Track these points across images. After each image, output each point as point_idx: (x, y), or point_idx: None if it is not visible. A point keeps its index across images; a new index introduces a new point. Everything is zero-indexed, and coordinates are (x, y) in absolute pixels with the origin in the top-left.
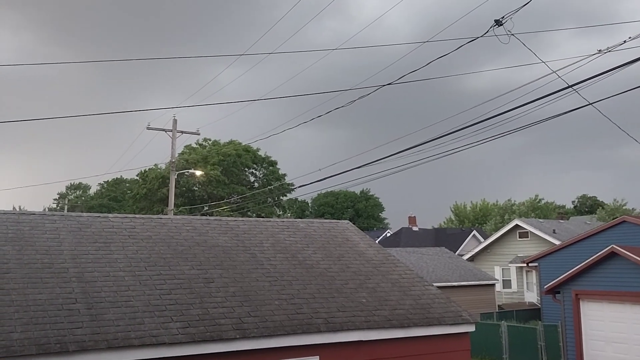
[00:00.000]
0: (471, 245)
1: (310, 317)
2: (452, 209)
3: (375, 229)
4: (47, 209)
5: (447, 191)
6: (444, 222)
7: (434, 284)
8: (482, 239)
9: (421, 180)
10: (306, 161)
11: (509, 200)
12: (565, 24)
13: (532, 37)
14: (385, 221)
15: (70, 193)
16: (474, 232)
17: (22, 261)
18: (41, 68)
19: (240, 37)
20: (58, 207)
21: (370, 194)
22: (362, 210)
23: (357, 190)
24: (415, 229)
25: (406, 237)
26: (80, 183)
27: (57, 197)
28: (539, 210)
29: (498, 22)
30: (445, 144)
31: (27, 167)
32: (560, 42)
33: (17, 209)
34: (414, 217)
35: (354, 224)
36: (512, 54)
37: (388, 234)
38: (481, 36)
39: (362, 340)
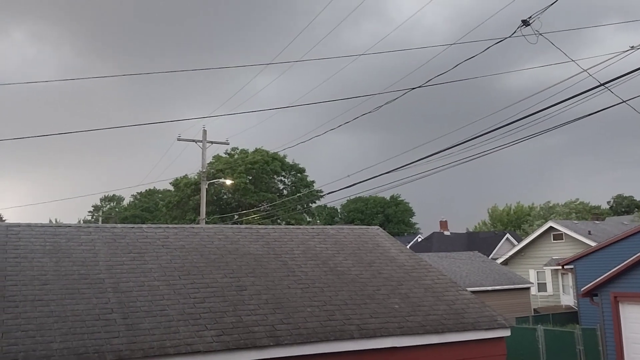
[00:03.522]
0: (505, 249)
1: (343, 323)
2: (489, 212)
3: (406, 234)
4: (82, 221)
5: (479, 194)
6: (477, 225)
7: (468, 288)
8: (515, 242)
9: (453, 183)
10: (337, 167)
11: (548, 202)
12: (609, 19)
13: (573, 34)
14: (416, 226)
15: (104, 205)
16: (508, 235)
17: (59, 273)
18: (79, 81)
19: (276, 44)
20: (93, 219)
21: (400, 198)
22: (393, 216)
23: (387, 195)
24: (447, 233)
25: (438, 242)
26: (114, 195)
27: (91, 209)
28: (579, 212)
29: (525, 22)
30: (477, 146)
31: (63, 180)
32: (605, 36)
33: (54, 222)
34: (446, 221)
35: (384, 229)
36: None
37: (419, 239)
38: (508, 37)
39: (396, 347)
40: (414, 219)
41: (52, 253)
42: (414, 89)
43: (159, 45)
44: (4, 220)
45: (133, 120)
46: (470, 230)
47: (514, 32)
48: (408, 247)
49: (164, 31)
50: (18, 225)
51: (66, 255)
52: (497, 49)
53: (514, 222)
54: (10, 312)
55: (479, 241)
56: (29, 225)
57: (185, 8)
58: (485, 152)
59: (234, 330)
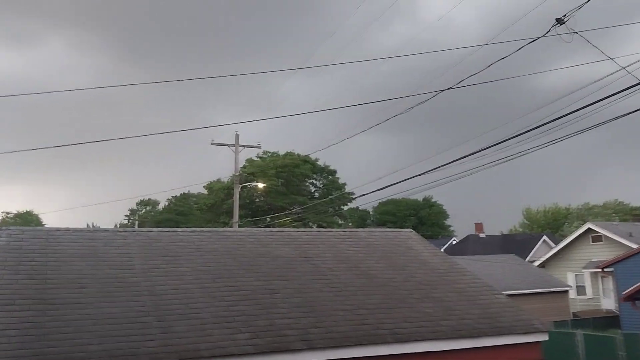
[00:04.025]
0: (542, 251)
1: (375, 327)
2: (524, 213)
3: (440, 237)
4: (118, 225)
5: (514, 196)
6: (513, 228)
7: (503, 292)
8: (553, 245)
9: (487, 185)
10: (368, 169)
11: (586, 203)
12: None
13: (607, 32)
14: (450, 228)
15: (140, 209)
16: (544, 237)
17: (96, 276)
18: (115, 87)
19: (307, 47)
20: (129, 223)
21: (434, 200)
22: (426, 218)
23: (420, 197)
24: (482, 235)
25: (473, 245)
26: (149, 199)
27: (128, 213)
28: (619, 213)
29: (560, 21)
30: (511, 147)
31: (100, 185)
32: None
33: (91, 226)
34: (481, 223)
35: (417, 232)
36: (584, 51)
37: (454, 242)
38: (542, 36)
39: (429, 351)
40: (448, 222)
41: (89, 257)
42: (445, 90)
43: (193, 51)
44: (44, 225)
45: (168, 125)
46: (506, 232)
47: (548, 31)
48: (442, 250)
49: (198, 37)
50: (57, 229)
51: (103, 259)
52: (530, 48)
53: (551, 223)
54: (51, 315)
55: (515, 243)
56: (67, 230)
57: (217, 14)
58: (521, 153)
59: (267, 333)
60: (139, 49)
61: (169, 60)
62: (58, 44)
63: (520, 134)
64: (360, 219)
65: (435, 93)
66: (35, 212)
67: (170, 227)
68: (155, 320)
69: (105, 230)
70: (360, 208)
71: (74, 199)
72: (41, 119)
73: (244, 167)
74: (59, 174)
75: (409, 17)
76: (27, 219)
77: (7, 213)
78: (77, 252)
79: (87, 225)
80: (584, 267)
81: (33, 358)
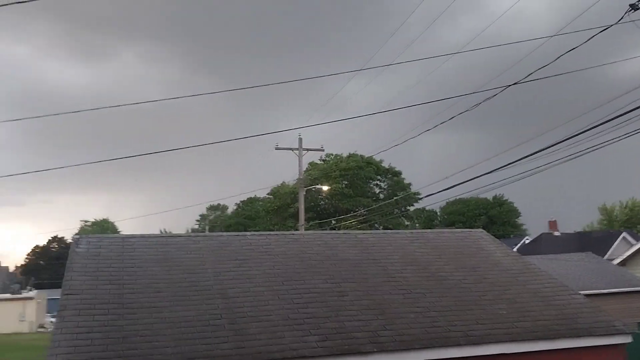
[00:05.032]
0: (621, 249)
1: (447, 330)
2: (601, 210)
3: (511, 236)
4: (190, 230)
5: (591, 191)
6: (589, 224)
7: (581, 292)
8: (633, 242)
9: (561, 181)
10: (434, 168)
11: None
12: None
13: None
14: (523, 227)
15: (210, 214)
16: (624, 234)
17: (171, 280)
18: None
19: (369, 46)
20: (200, 228)
21: (504, 199)
22: (496, 217)
23: (490, 196)
24: (556, 234)
25: (547, 244)
26: (218, 204)
27: (198, 218)
28: None
29: (634, 7)
30: (585, 141)
31: (170, 192)
32: None
33: (164, 232)
34: (555, 221)
35: (487, 232)
36: None
37: (526, 241)
38: (615, 24)
39: (504, 354)
40: (519, 220)
41: (163, 262)
42: (513, 85)
43: (255, 58)
44: (120, 232)
45: (235, 131)
46: (581, 230)
47: (622, 18)
48: (514, 249)
49: (260, 42)
50: (133, 236)
51: (176, 263)
52: (602, 37)
53: (630, 219)
54: (129, 319)
55: (592, 241)
56: (142, 236)
57: (279, 18)
58: (595, 147)
59: (337, 335)
60: (204, 58)
61: (233, 68)
62: (129, 57)
63: (593, 127)
64: (428, 219)
65: (502, 88)
66: (111, 219)
67: (239, 231)
68: (228, 323)
69: (178, 235)
70: (427, 208)
71: (147, 206)
72: (114, 129)
73: (308, 170)
74: (132, 182)
75: (475, 11)
76: (104, 227)
77: (85, 221)
78: (152, 257)
79: (161, 231)
80: None
81: None
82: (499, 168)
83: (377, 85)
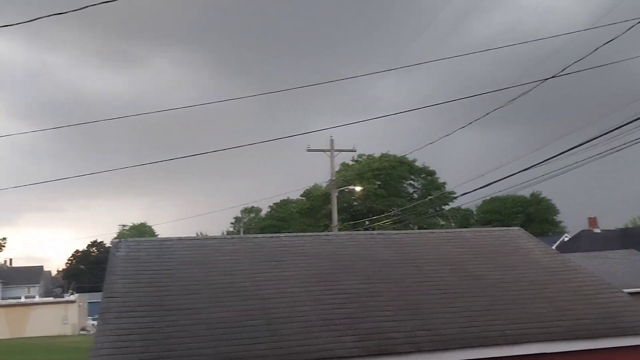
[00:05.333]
0: None
1: (485, 330)
2: None
3: (550, 234)
4: (225, 233)
5: (633, 186)
6: (632, 220)
7: (624, 290)
8: None
9: (602, 176)
10: (469, 166)
11: None
12: None
13: None
14: (562, 225)
15: (244, 216)
16: None
17: (207, 282)
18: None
19: (400, 44)
20: (235, 230)
21: (542, 196)
22: (534, 215)
23: (527, 193)
24: (597, 231)
25: (587, 241)
26: (252, 206)
27: (233, 220)
28: None
29: None
30: (625, 135)
31: (205, 195)
32: None
33: (200, 235)
34: (595, 218)
35: (525, 230)
36: None
37: (565, 239)
38: None
39: (543, 353)
40: (558, 217)
41: (200, 264)
42: (548, 79)
43: (284, 61)
44: (158, 235)
45: (267, 133)
46: (623, 226)
47: None
48: (553, 247)
49: (290, 44)
50: (170, 239)
51: (213, 265)
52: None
53: None
54: (167, 320)
55: (635, 238)
56: (179, 239)
57: (309, 18)
58: (636, 141)
59: (373, 336)
60: (236, 62)
61: (264, 71)
62: (163, 63)
63: (634, 120)
64: (464, 218)
65: (538, 82)
66: (149, 223)
67: (273, 232)
68: (264, 324)
69: (214, 238)
70: (463, 207)
71: (183, 210)
72: (150, 135)
73: (340, 171)
74: (168, 186)
75: (509, 4)
76: (142, 231)
77: (123, 225)
78: (189, 259)
79: (197, 234)
80: None
81: None
82: (535, 164)
83: (409, 83)
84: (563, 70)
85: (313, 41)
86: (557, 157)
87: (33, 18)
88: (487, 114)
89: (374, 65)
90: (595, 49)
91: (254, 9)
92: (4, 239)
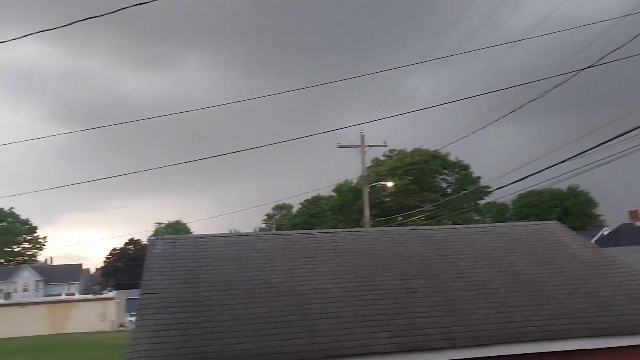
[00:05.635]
0: None
1: (522, 325)
2: None
3: (589, 227)
4: (257, 229)
5: None
6: None
7: None
8: None
9: None
10: (504, 160)
11: None
12: None
13: None
14: (601, 218)
15: (276, 213)
16: None
17: (242, 278)
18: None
19: (433, 38)
20: (267, 227)
21: (580, 189)
22: (572, 208)
23: (564, 186)
24: (638, 224)
25: (628, 235)
26: (284, 203)
27: (265, 217)
28: None
29: None
30: None
31: (237, 192)
32: None
33: (233, 231)
34: (636, 211)
35: (563, 224)
36: None
37: (605, 233)
38: None
39: (584, 349)
40: (597, 211)
41: (235, 260)
42: (585, 69)
43: (314, 58)
44: (192, 233)
45: (298, 130)
46: None
47: None
48: (592, 241)
49: (321, 40)
50: (205, 236)
51: (247, 261)
52: None
53: None
54: (204, 316)
55: None
56: (214, 236)
57: (340, 14)
58: None
59: (408, 332)
60: (266, 61)
61: (293, 68)
62: (194, 63)
63: None
64: (499, 213)
65: (574, 73)
66: (184, 221)
67: (304, 229)
68: (299, 319)
69: (247, 234)
70: (498, 202)
71: (216, 207)
72: (183, 134)
73: (371, 167)
74: (202, 184)
75: None
76: (177, 228)
77: (159, 223)
78: (224, 256)
79: (230, 230)
80: None
81: (193, 356)
82: (573, 157)
83: (442, 77)
84: (600, 60)
85: (345, 38)
86: (595, 148)
87: (68, 22)
88: (521, 106)
89: (408, 60)
90: (635, 37)
91: (281, 6)
92: (45, 238)
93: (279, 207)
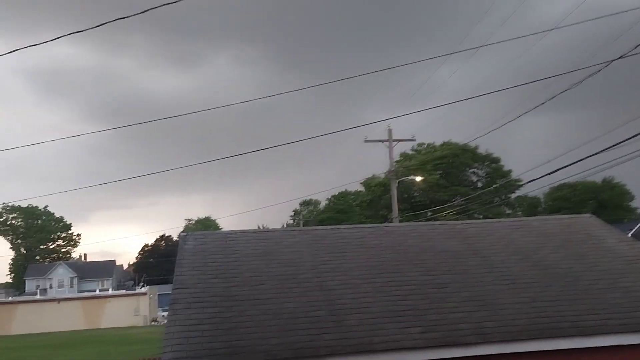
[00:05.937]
0: None
1: (555, 320)
2: None
3: (625, 221)
4: (285, 225)
5: None
6: None
7: None
8: None
9: None
10: (536, 152)
11: None
12: None
13: None
14: (638, 211)
15: (303, 209)
16: None
17: (271, 273)
18: (276, 96)
19: (460, 30)
20: (294, 223)
21: (615, 181)
22: (607, 201)
23: (598, 179)
24: None
25: None
26: (311, 199)
27: (292, 213)
28: None
29: None
30: None
31: (265, 188)
32: None
33: (261, 227)
34: None
35: (598, 217)
36: None
37: None
38: None
39: (620, 345)
40: (633, 203)
41: (263, 256)
42: (618, 59)
43: (341, 52)
44: (222, 229)
45: (324, 126)
46: None
47: None
48: (629, 235)
49: (346, 34)
50: (234, 232)
51: (275, 257)
52: None
53: None
54: (235, 311)
55: None
56: (243, 232)
57: (359, 10)
58: None
59: (439, 327)
60: (292, 57)
61: (321, 64)
62: (221, 61)
63: None
64: (531, 207)
65: (606, 63)
66: (213, 217)
67: (332, 224)
68: (329, 315)
69: (276, 230)
70: (530, 195)
71: (245, 203)
72: (211, 131)
73: (399, 161)
74: (230, 181)
75: None
76: (207, 224)
77: (189, 220)
78: (253, 251)
79: (258, 226)
80: None
81: (224, 350)
82: (607, 148)
83: (471, 69)
84: (633, 49)
85: (370, 32)
86: (631, 139)
87: (99, 24)
88: (553, 97)
89: (436, 52)
90: None
91: (306, 3)
92: (79, 235)
93: (306, 203)
